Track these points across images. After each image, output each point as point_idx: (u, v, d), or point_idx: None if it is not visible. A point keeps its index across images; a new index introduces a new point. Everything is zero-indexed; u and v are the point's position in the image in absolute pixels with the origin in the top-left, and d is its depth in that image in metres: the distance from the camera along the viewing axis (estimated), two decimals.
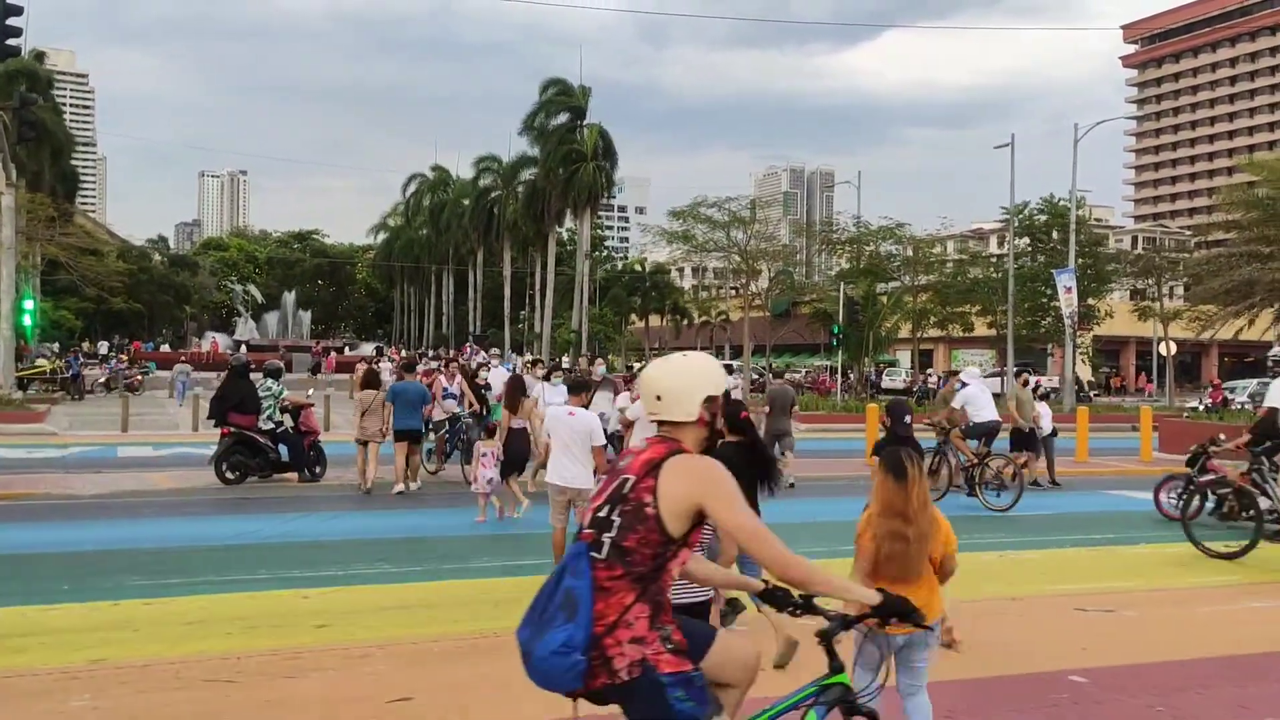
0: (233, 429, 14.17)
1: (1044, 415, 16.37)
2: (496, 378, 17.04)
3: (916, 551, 4.38)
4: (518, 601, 7.85)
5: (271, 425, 14.43)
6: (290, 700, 5.58)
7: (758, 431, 6.60)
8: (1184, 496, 11.55)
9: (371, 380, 14.34)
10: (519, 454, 12.22)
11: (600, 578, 2.91)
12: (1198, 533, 10.68)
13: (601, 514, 3.01)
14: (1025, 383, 16.82)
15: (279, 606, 7.66)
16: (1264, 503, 10.51)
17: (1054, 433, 16.76)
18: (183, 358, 38.20)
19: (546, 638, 2.87)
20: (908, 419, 9.16)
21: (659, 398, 3.17)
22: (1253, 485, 10.68)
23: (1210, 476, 11.53)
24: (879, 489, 4.48)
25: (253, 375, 15.41)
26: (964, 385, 14.73)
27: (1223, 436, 12.09)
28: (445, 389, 15.51)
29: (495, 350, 18.95)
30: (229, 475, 14.11)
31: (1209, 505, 11.55)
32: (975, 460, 13.75)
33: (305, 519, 11.77)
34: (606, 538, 2.95)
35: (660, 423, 3.17)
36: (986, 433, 14.13)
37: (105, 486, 13.86)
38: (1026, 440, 15.71)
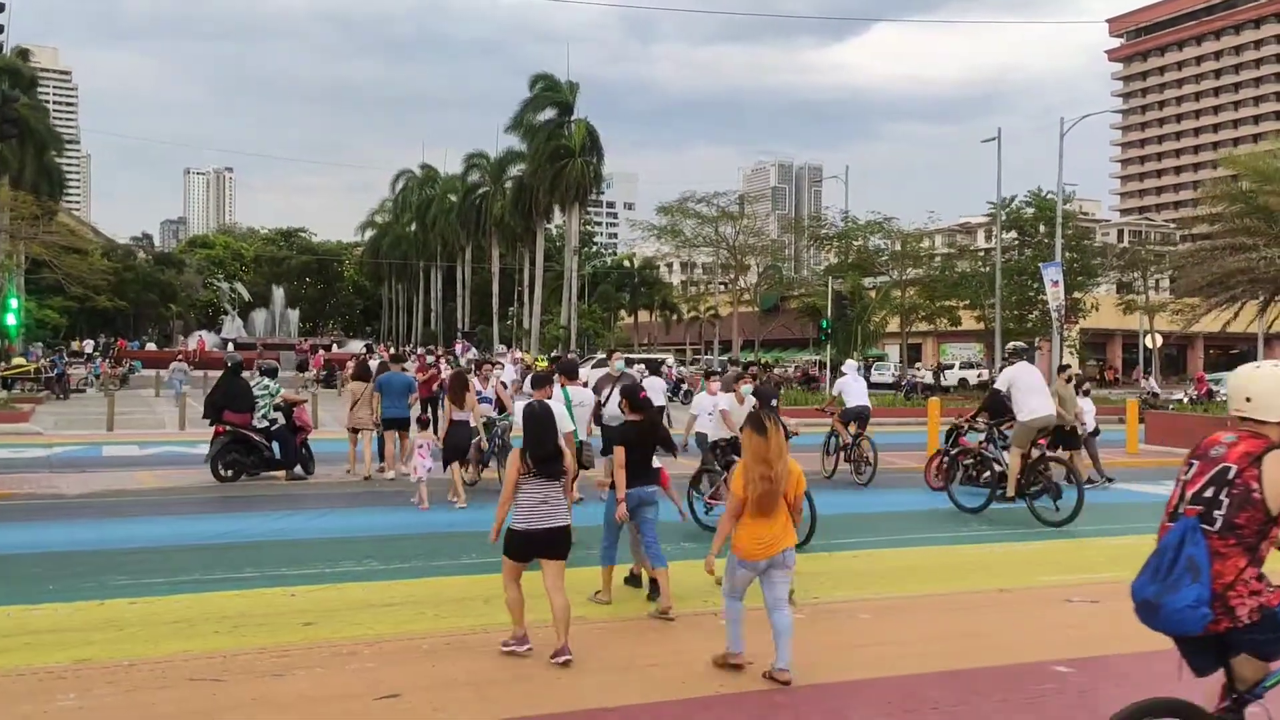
0: (228, 427, 14.09)
1: (1087, 412, 15.84)
2: (510, 378, 16.50)
3: (777, 490, 5.86)
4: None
5: (266, 423, 14.39)
6: (277, 698, 5.57)
7: (655, 412, 8.44)
8: (944, 468, 13.63)
9: (362, 373, 15.00)
10: (461, 444, 12.84)
11: (1215, 546, 3.64)
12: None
13: (1207, 494, 3.71)
14: (1069, 379, 15.95)
15: (266, 605, 7.64)
16: (997, 468, 12.56)
17: (1096, 430, 16.20)
18: (179, 356, 37.94)
19: (1178, 595, 3.61)
20: (774, 401, 10.83)
21: (1249, 399, 3.80)
22: (988, 453, 12.94)
23: (958, 449, 13.56)
24: (746, 443, 6.01)
25: (245, 374, 15.30)
26: (843, 375, 16.44)
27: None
28: (479, 392, 13.93)
29: (506, 348, 17.77)
30: (224, 473, 14.03)
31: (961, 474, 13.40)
32: (849, 440, 15.61)
33: (293, 517, 11.73)
34: (1217, 514, 3.66)
35: (1244, 419, 3.80)
36: (856, 416, 15.61)
37: (91, 486, 13.78)
38: (1068, 438, 14.92)
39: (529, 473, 6.25)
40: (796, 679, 5.95)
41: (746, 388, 11.48)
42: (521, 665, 6.22)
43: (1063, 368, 17.04)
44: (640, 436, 7.62)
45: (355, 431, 14.75)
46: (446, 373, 16.16)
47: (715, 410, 11.75)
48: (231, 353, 16.70)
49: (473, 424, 12.96)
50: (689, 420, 12.24)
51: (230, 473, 14.06)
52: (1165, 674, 6.21)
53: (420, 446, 12.55)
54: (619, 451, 7.53)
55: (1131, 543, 11.00)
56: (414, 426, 14.77)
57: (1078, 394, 15.93)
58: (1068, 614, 7.81)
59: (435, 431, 14.53)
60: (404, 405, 14.45)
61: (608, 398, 12.13)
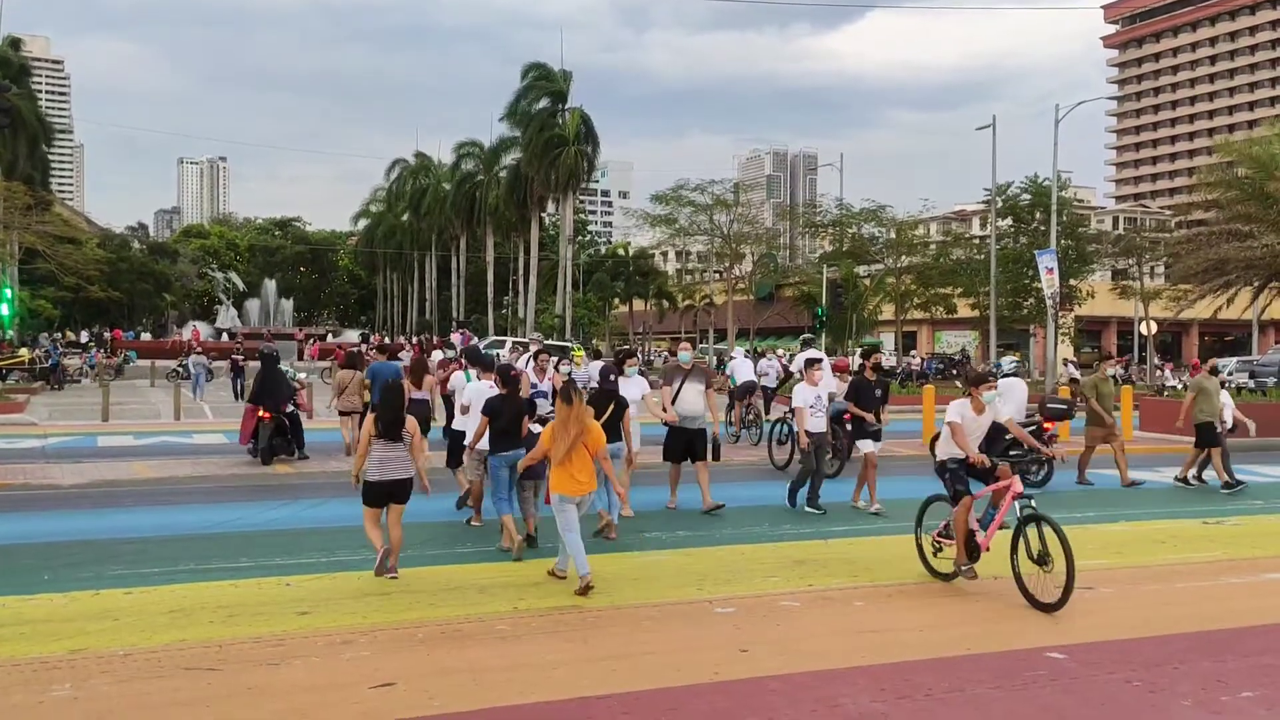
0: (274, 414, 14.97)
1: (1228, 408, 14.84)
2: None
3: (582, 445, 7.79)
4: (503, 587, 7.95)
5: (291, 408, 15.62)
6: (273, 687, 5.58)
7: (518, 386, 9.55)
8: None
9: (351, 362, 15.96)
10: (420, 420, 13.01)
11: None
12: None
13: None
14: (1214, 370, 15.13)
15: (262, 594, 7.65)
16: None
17: (1234, 428, 15.19)
18: (198, 349, 36.59)
19: None
20: (612, 376, 10.95)
21: None
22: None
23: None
24: (559, 411, 7.85)
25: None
26: (732, 359, 20.02)
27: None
28: (534, 385, 13.18)
29: (537, 336, 16.66)
30: (269, 458, 14.95)
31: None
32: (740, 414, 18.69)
33: (288, 507, 11.73)
34: None
35: None
36: (747, 391, 18.60)
37: (86, 476, 13.76)
38: (1208, 435, 14.09)
39: (379, 435, 8.04)
40: (791, 666, 5.98)
41: (990, 394, 8.28)
42: (516, 653, 6.24)
43: (1211, 366, 15.61)
44: (504, 406, 9.12)
45: (346, 415, 15.63)
46: (549, 376, 15.81)
47: (818, 402, 11.37)
48: (267, 344, 17.80)
49: (432, 403, 13.54)
50: (797, 415, 11.37)
51: (271, 458, 14.97)
52: (1158, 660, 6.26)
53: None
54: (483, 421, 9.21)
55: (1125, 530, 11.06)
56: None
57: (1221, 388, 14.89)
58: None
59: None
60: None
61: (679, 390, 11.52)
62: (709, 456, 11.60)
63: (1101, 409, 14.50)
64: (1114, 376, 16.13)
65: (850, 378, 13.54)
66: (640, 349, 63.51)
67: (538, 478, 9.10)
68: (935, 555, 8.39)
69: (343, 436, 15.86)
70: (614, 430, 9.86)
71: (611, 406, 10.06)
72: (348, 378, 15.40)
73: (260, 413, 14.90)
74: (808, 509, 11.37)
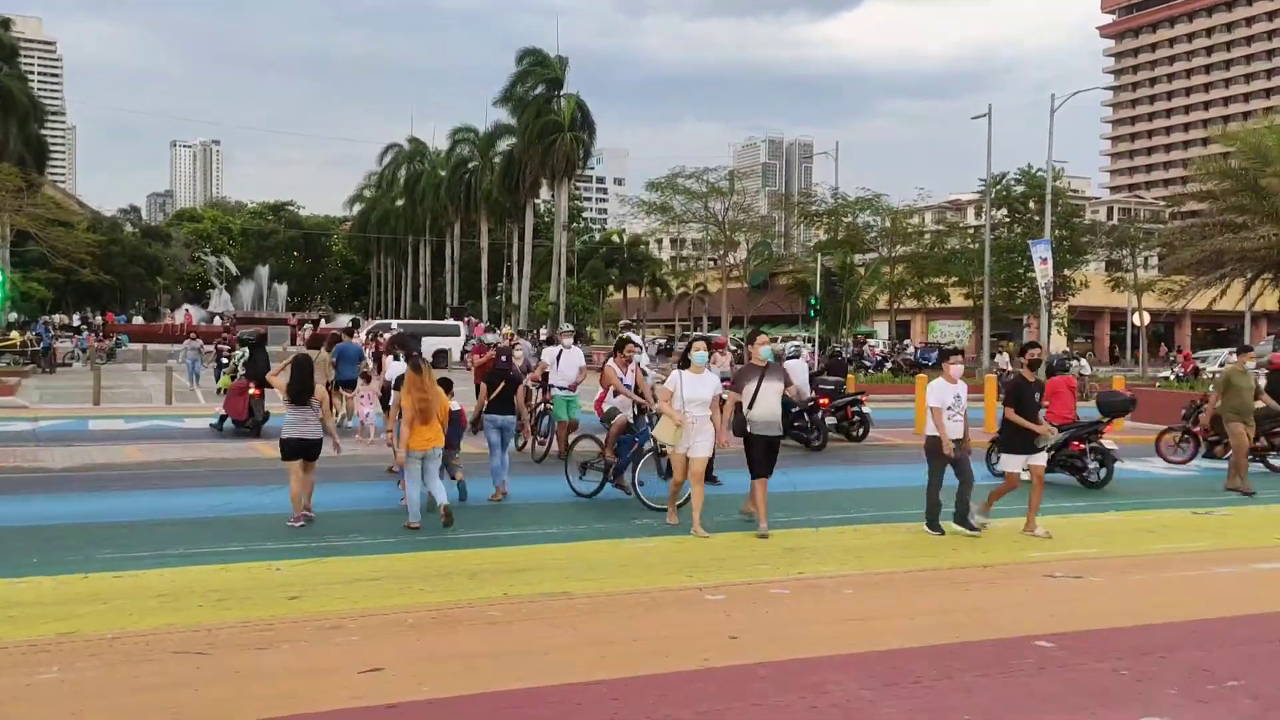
0: (263, 390, 16.42)
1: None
2: (571, 362, 14.58)
3: (431, 408, 9.64)
4: (493, 573, 7.96)
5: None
6: (261, 671, 5.57)
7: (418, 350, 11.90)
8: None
9: (316, 342, 17.98)
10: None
11: None
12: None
13: None
14: (1246, 359, 14.50)
15: (251, 578, 7.63)
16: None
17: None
18: (192, 334, 35.91)
19: None
20: (504, 358, 12.16)
21: None
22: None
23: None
24: (408, 379, 9.74)
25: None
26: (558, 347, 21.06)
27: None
28: (620, 377, 12.57)
29: (568, 327, 16.11)
30: (259, 430, 16.70)
31: None
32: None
33: (278, 491, 11.68)
34: None
35: None
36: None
37: (76, 459, 13.73)
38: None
39: (290, 401, 9.74)
40: (781, 653, 5.99)
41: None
42: (506, 639, 6.24)
43: (1241, 350, 15.30)
44: (495, 377, 11.58)
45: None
46: (633, 366, 15.81)
47: (958, 402, 9.60)
48: (252, 331, 19.52)
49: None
50: (932, 417, 9.56)
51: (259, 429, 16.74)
52: (1146, 649, 6.29)
53: (362, 397, 15.77)
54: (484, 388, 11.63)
55: (1114, 519, 11.09)
56: (360, 382, 16.48)
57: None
58: (1051, 589, 7.87)
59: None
60: (354, 369, 16.70)
61: (756, 393, 9.52)
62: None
63: (1240, 404, 13.18)
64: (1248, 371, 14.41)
65: (727, 354, 13.46)
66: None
67: (453, 446, 10.97)
68: None
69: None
70: (507, 404, 11.62)
71: (502, 384, 11.58)
72: (314, 356, 16.35)
73: (251, 389, 16.48)
74: (956, 527, 9.72)
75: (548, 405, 14.84)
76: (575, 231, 73.17)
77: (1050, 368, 15.08)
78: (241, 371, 18.22)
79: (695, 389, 9.64)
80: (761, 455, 9.57)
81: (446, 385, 11.15)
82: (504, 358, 12.23)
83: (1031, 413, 9.90)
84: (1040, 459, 10.04)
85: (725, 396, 9.86)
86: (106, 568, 7.84)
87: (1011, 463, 10.00)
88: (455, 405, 11.50)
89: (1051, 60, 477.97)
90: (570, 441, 12.93)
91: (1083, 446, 13.04)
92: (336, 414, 16.14)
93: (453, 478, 11.33)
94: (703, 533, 9.43)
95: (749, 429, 9.55)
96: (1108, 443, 13.09)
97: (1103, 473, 13.01)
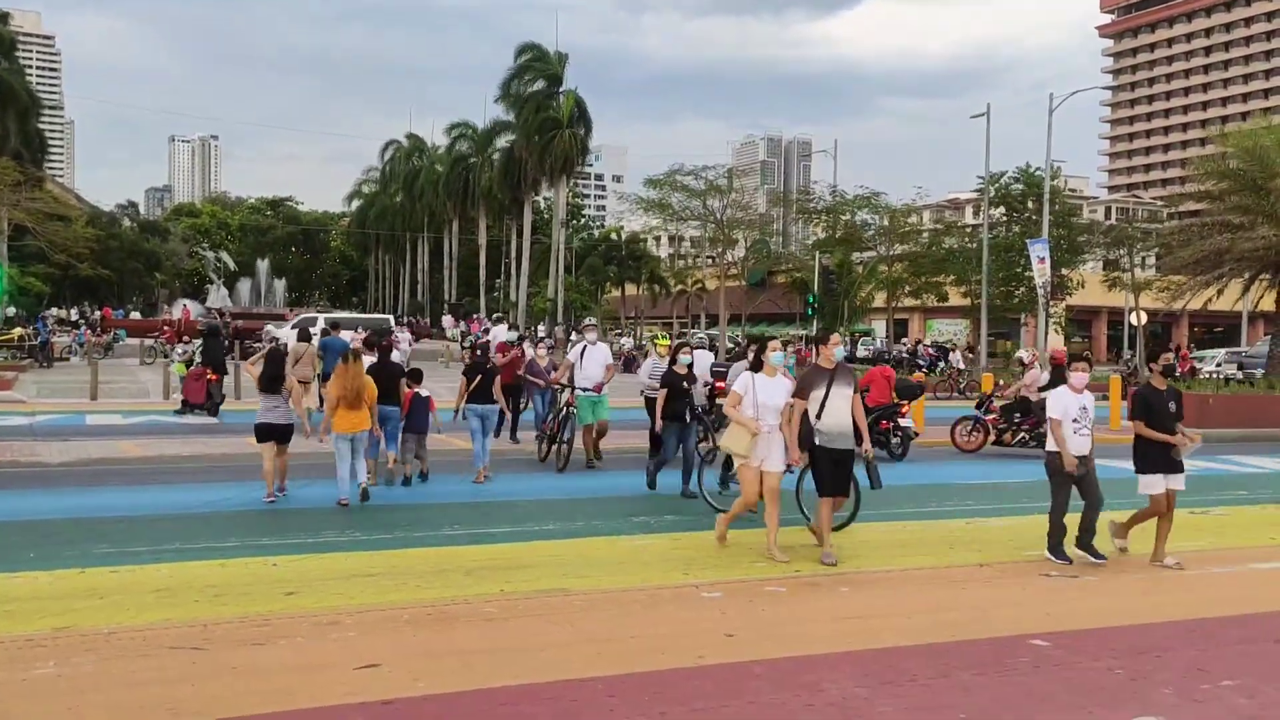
0: (220, 375, 18.61)
1: None
2: (595, 359, 13.70)
3: (360, 394, 10.31)
4: (488, 569, 7.96)
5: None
6: (258, 667, 5.57)
7: (391, 353, 12.26)
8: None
9: (304, 336, 17.97)
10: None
11: None
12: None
13: None
14: None
15: (248, 574, 7.64)
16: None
17: None
18: (186, 337, 35.39)
19: None
20: (478, 351, 13.21)
21: None
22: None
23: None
24: (339, 368, 10.46)
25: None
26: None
27: None
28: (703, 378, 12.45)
29: (591, 321, 15.77)
30: (217, 410, 18.59)
31: None
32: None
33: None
34: None
35: None
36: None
37: (73, 454, 13.72)
38: None
39: (262, 389, 10.58)
40: (776, 651, 6.00)
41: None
42: (502, 636, 6.25)
43: None
44: (380, 374, 11.51)
45: (301, 383, 16.60)
46: (532, 353, 15.85)
47: (1084, 415, 8.55)
48: (209, 320, 20.94)
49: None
50: (1051, 430, 8.64)
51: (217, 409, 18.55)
52: (1141, 648, 6.30)
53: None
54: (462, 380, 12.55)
55: (1109, 519, 11.07)
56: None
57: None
58: (1047, 588, 7.88)
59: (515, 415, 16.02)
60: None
61: (825, 399, 8.38)
62: (854, 488, 9.03)
63: None
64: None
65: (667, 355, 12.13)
66: (632, 333, 63.58)
67: (420, 431, 11.87)
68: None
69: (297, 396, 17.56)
70: (486, 395, 12.35)
71: (480, 376, 12.34)
72: (301, 349, 17.10)
73: (209, 375, 18.60)
74: (1081, 553, 8.74)
75: (570, 409, 13.49)
76: (574, 228, 73.16)
77: (871, 359, 16.03)
78: (198, 360, 19.91)
79: (770, 394, 8.49)
80: (829, 471, 8.46)
81: (416, 375, 12.15)
82: (479, 352, 13.20)
83: (1166, 423, 8.59)
84: (1178, 481, 8.73)
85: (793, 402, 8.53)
86: (103, 563, 7.84)
87: (1153, 484, 8.65)
88: (424, 392, 12.13)
89: (1051, 59, 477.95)
90: (705, 453, 11.44)
91: (888, 425, 15.06)
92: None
93: (421, 471, 12.11)
94: (781, 556, 8.38)
95: (815, 440, 8.41)
96: (905, 422, 15.23)
97: (900, 449, 15.16)
